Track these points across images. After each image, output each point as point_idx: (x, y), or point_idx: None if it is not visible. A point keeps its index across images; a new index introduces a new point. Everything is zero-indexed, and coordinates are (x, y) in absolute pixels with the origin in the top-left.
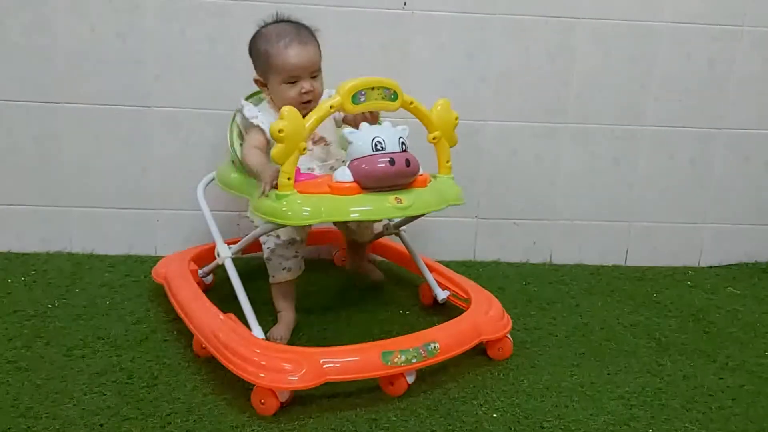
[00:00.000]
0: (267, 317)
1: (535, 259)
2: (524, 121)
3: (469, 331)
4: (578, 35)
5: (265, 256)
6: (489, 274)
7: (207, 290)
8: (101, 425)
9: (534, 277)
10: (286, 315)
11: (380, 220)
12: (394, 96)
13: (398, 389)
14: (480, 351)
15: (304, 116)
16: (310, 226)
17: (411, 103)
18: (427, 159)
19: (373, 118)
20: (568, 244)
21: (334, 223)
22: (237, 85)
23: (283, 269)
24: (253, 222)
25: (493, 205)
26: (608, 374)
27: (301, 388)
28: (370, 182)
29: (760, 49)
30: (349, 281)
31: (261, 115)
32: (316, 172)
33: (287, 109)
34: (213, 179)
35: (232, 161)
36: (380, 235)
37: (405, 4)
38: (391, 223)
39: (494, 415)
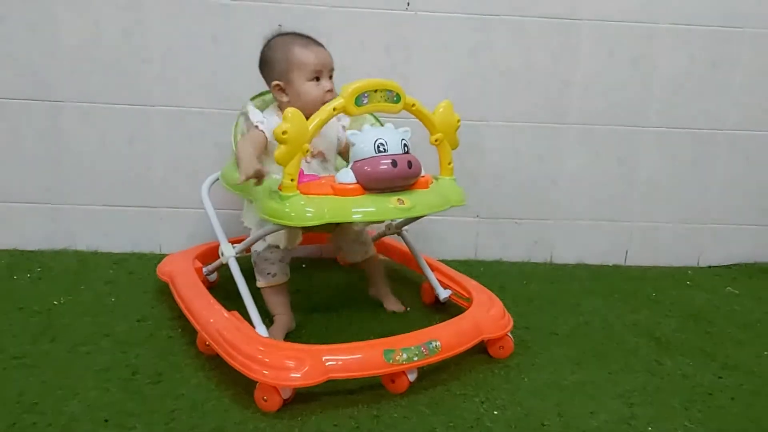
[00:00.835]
0: (265, 315)
1: (536, 258)
2: (526, 121)
3: (471, 330)
4: (581, 36)
5: (252, 260)
6: (490, 273)
7: (211, 288)
8: (106, 421)
9: (535, 277)
10: (281, 318)
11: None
12: (396, 98)
13: (400, 387)
14: (481, 349)
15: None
16: (300, 236)
17: (413, 105)
18: (429, 160)
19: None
20: (569, 244)
21: (332, 239)
22: (241, 84)
23: (268, 274)
24: (245, 224)
25: (495, 205)
26: (608, 373)
27: (304, 385)
28: (372, 183)
29: (762, 51)
30: (350, 280)
31: (267, 121)
32: None
33: (291, 111)
34: (217, 179)
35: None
36: (382, 235)
37: (408, 4)
38: (393, 223)
39: (495, 413)
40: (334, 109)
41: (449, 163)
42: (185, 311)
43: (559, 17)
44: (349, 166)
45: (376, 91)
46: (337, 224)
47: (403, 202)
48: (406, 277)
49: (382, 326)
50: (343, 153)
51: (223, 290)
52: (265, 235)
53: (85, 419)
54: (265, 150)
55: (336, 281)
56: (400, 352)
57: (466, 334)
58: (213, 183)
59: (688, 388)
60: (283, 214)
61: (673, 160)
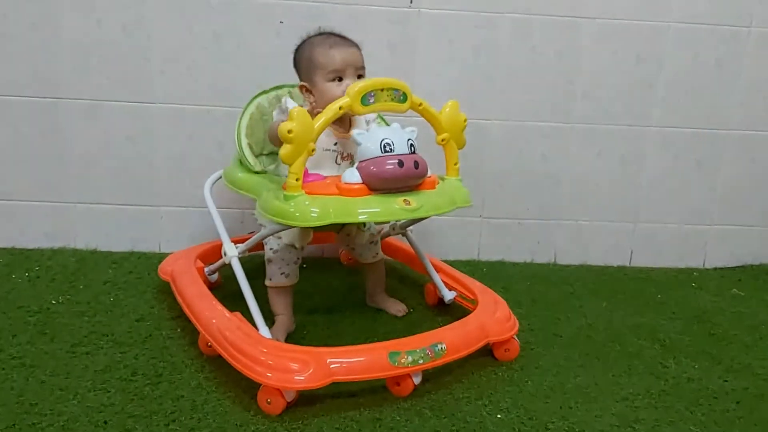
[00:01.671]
0: (266, 315)
1: (540, 259)
2: (530, 121)
3: (476, 333)
4: (585, 35)
5: (266, 256)
6: (493, 274)
7: (213, 288)
8: (105, 422)
9: (538, 278)
10: (283, 319)
11: (375, 241)
12: (403, 97)
13: (405, 390)
14: (484, 352)
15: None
16: (311, 235)
17: (420, 104)
18: (436, 161)
19: None
20: (572, 245)
21: (339, 239)
22: (242, 82)
23: (282, 273)
24: (258, 221)
25: (498, 205)
26: (612, 376)
27: (308, 388)
28: (378, 184)
29: (767, 51)
30: (352, 280)
31: None
32: None
33: (296, 110)
34: (220, 177)
35: (239, 160)
36: (386, 235)
37: (411, 2)
38: (398, 224)
39: (498, 416)
40: (340, 108)
41: (455, 164)
42: (187, 311)
43: (563, 15)
44: (355, 165)
45: (382, 90)
46: (343, 224)
47: (409, 203)
48: (409, 277)
49: (385, 328)
50: None
51: (224, 291)
52: (270, 234)
53: (84, 420)
54: None
55: (338, 282)
56: (406, 355)
57: (472, 336)
58: (215, 182)
59: (693, 391)
60: (288, 213)
61: (677, 160)
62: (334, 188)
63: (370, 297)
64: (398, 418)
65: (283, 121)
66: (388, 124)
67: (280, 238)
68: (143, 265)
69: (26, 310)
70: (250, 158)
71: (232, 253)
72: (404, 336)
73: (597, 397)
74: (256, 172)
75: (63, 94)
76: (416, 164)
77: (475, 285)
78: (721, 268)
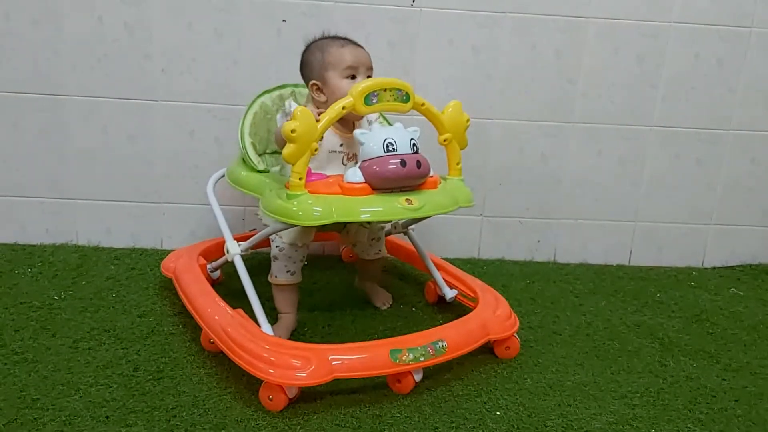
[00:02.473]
0: (269, 312)
1: (540, 257)
2: (531, 120)
3: (477, 330)
4: (586, 34)
5: (272, 253)
6: (493, 272)
7: (215, 285)
8: (107, 417)
9: (538, 276)
10: (287, 317)
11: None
12: (406, 97)
13: (405, 387)
14: (484, 350)
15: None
16: (313, 234)
17: (423, 104)
18: (438, 160)
19: None
20: (572, 243)
21: (341, 237)
22: (243, 80)
23: (288, 272)
24: (262, 221)
25: (499, 203)
26: (611, 374)
27: (310, 384)
28: (380, 183)
29: None
30: (354, 278)
31: None
32: None
33: (300, 110)
34: (223, 176)
35: (243, 159)
36: (388, 233)
37: (413, 1)
38: (399, 222)
39: (498, 413)
40: (344, 108)
41: (458, 164)
42: (189, 308)
43: (564, 15)
44: (358, 165)
45: (385, 90)
46: (345, 223)
47: (411, 202)
48: (409, 275)
49: (385, 325)
50: None
51: (227, 288)
52: (273, 233)
53: (86, 416)
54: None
55: (339, 279)
56: (407, 352)
57: (473, 334)
58: (218, 180)
59: (692, 389)
60: (291, 212)
61: (677, 160)
62: (337, 187)
63: (360, 280)
64: (398, 415)
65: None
66: (390, 124)
67: (286, 236)
68: (145, 262)
69: (29, 306)
70: (254, 157)
71: (234, 250)
72: (405, 334)
73: (596, 395)
74: (259, 171)
75: (65, 91)
76: (419, 164)
77: (476, 283)
78: (720, 268)
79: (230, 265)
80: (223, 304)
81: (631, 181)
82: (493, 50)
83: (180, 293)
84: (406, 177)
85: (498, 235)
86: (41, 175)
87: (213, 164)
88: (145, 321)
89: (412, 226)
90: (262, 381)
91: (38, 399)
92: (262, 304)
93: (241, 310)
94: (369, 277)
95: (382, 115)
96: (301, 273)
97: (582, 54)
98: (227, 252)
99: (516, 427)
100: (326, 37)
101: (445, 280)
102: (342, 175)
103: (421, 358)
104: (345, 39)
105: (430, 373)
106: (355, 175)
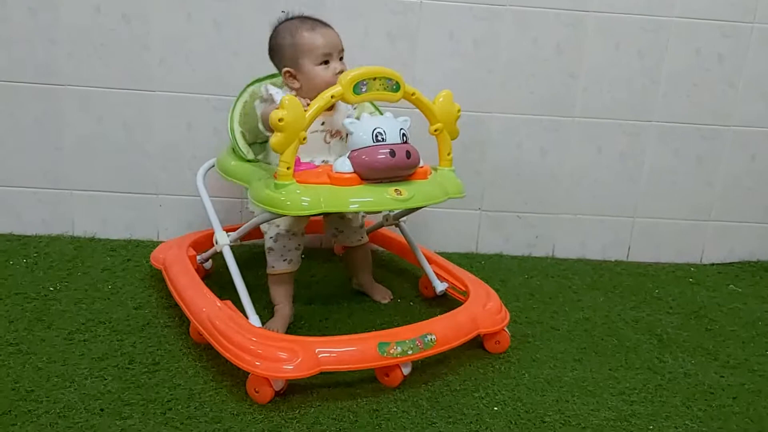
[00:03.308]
0: (264, 306)
1: (538, 252)
2: (530, 114)
3: (467, 324)
4: (587, 28)
5: (267, 245)
6: (491, 267)
7: (206, 276)
8: (102, 410)
9: (536, 271)
10: (283, 309)
11: (361, 224)
12: (396, 87)
13: (394, 380)
14: (481, 344)
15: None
16: (307, 218)
17: (413, 94)
18: (429, 151)
19: None
20: (571, 239)
21: (326, 229)
22: (241, 70)
23: (284, 260)
24: (253, 212)
25: (497, 198)
26: (609, 370)
27: (296, 377)
28: (370, 173)
29: None
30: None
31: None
32: None
33: (288, 98)
34: (213, 166)
35: (233, 148)
36: (379, 225)
37: None
38: (391, 214)
39: (495, 409)
40: (332, 97)
41: (448, 154)
42: (178, 299)
43: (565, 9)
44: (347, 155)
45: (375, 79)
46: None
47: (400, 193)
48: (406, 269)
49: (382, 318)
50: None
51: (217, 279)
52: (262, 223)
53: (80, 408)
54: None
55: (335, 272)
56: (395, 346)
57: (462, 328)
58: (208, 170)
59: (690, 386)
60: (279, 202)
61: (677, 156)
62: (326, 177)
63: (356, 280)
64: (395, 409)
65: (274, 108)
66: (381, 113)
67: (278, 225)
68: (141, 253)
69: (24, 297)
70: (243, 147)
71: (223, 241)
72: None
73: (593, 390)
74: (248, 161)
75: (61, 80)
76: (408, 154)
77: (467, 276)
78: (719, 264)
79: (223, 256)
80: (211, 295)
81: (631, 177)
82: (494, 44)
83: (169, 285)
84: (395, 167)
85: (496, 230)
86: (37, 165)
87: (210, 155)
88: (141, 313)
89: (404, 218)
90: (248, 373)
91: (32, 391)
92: (253, 297)
93: (229, 302)
94: (361, 271)
95: (373, 104)
96: (299, 260)
97: (583, 48)
98: (216, 243)
99: (513, 422)
100: (292, 18)
101: (436, 273)
102: (330, 165)
103: (410, 352)
104: (313, 20)
105: (426, 366)
106: (344, 164)
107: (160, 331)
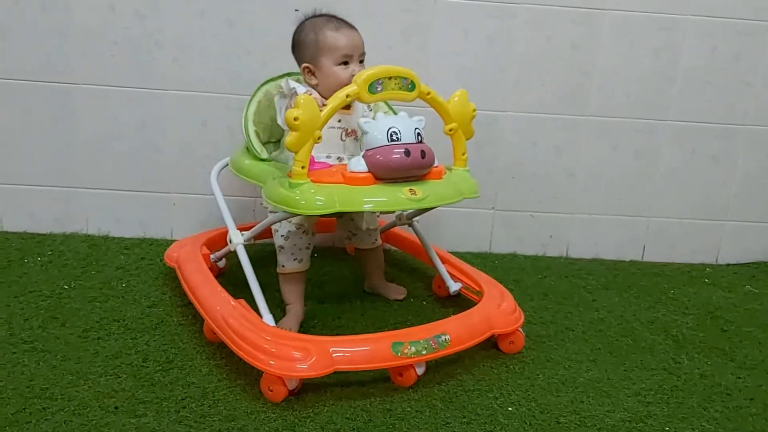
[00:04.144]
0: (278, 304)
1: (552, 252)
2: (545, 113)
3: (481, 324)
4: (602, 26)
5: (277, 244)
6: (505, 267)
7: (219, 275)
8: (116, 408)
9: (550, 271)
10: (295, 308)
11: (375, 227)
12: (411, 86)
13: (407, 380)
14: (495, 344)
15: None
16: (315, 218)
17: (428, 93)
18: (444, 151)
19: None
20: (585, 238)
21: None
22: (255, 69)
23: (295, 259)
24: (267, 209)
25: (511, 197)
26: (624, 371)
27: (310, 376)
28: (384, 173)
29: None
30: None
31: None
32: None
33: (303, 98)
34: (227, 165)
35: (247, 147)
36: (392, 225)
37: None
38: (404, 214)
39: (509, 409)
40: (348, 96)
41: (463, 154)
42: (192, 298)
43: (579, 6)
44: (361, 154)
45: (390, 78)
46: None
47: (415, 193)
48: (419, 269)
49: (395, 317)
50: None
51: (230, 278)
52: (276, 221)
53: (94, 405)
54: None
55: (348, 271)
56: (409, 345)
57: (477, 328)
58: (222, 169)
59: (706, 387)
60: (293, 201)
61: (692, 155)
62: (340, 176)
63: (368, 283)
64: (409, 409)
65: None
66: (395, 113)
67: (290, 222)
68: (155, 252)
69: (38, 295)
70: (257, 145)
71: (237, 240)
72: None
73: (609, 391)
74: (262, 160)
75: (75, 79)
76: (423, 154)
77: (481, 277)
78: (734, 265)
79: (236, 255)
80: (225, 294)
81: (646, 176)
82: (508, 41)
83: (183, 283)
84: (410, 167)
85: (510, 230)
86: (51, 163)
87: (224, 154)
88: (155, 311)
89: (417, 218)
90: (262, 372)
91: (47, 389)
92: (266, 295)
93: (243, 301)
94: (374, 272)
95: (387, 103)
96: (309, 260)
97: (597, 47)
98: (230, 242)
99: (528, 423)
100: (320, 15)
101: (450, 274)
102: (345, 165)
103: (423, 352)
104: (339, 20)
105: (440, 366)
106: (358, 164)
107: (173, 329)
